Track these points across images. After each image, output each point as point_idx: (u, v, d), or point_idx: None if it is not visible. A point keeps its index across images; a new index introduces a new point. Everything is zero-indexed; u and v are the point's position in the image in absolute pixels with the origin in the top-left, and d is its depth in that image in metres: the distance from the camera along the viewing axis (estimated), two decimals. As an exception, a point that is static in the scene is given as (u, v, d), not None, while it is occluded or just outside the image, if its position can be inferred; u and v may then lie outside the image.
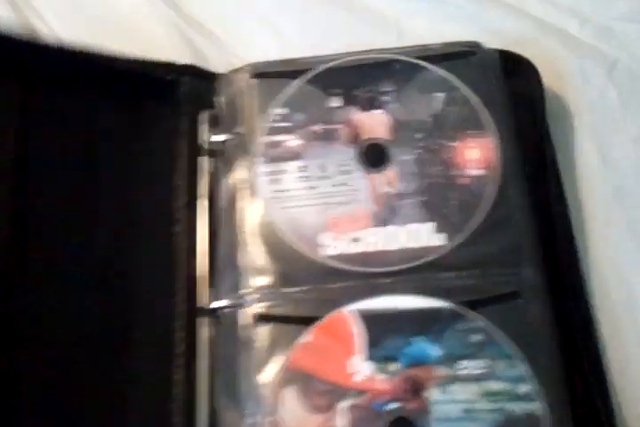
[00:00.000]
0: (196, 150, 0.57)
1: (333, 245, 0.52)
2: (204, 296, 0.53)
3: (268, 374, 0.49)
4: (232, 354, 0.50)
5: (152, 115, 0.59)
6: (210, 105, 0.58)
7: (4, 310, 0.50)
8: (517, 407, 0.47)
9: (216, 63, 0.63)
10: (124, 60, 0.58)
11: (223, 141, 0.57)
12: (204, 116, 0.58)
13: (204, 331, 0.52)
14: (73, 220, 0.55)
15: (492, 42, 0.60)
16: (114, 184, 0.57)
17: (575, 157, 0.60)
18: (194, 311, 0.53)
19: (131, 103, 0.59)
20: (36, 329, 0.51)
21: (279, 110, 0.56)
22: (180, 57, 0.63)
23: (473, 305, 0.50)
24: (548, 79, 0.60)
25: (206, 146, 0.57)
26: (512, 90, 0.57)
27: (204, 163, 0.57)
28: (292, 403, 0.48)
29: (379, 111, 0.56)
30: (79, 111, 0.58)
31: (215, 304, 0.52)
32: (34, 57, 0.56)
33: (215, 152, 0.57)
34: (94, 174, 0.57)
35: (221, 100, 0.58)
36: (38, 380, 0.50)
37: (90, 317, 0.53)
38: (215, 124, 0.58)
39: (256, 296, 0.51)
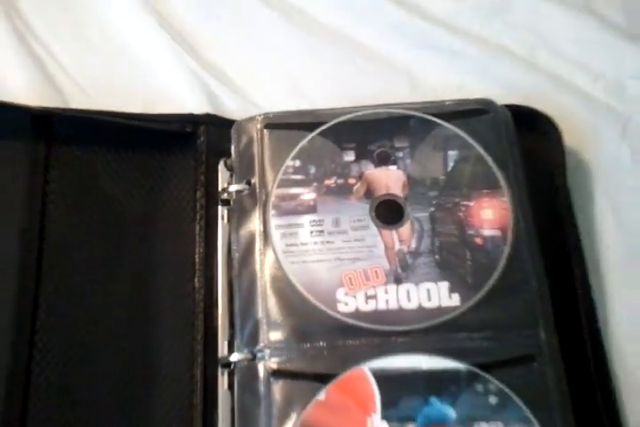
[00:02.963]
0: (214, 199, 0.60)
1: (348, 302, 0.53)
2: (222, 348, 0.55)
3: (285, 428, 0.50)
4: (250, 407, 0.52)
5: (173, 166, 0.62)
6: (228, 152, 0.61)
7: (27, 359, 0.54)
8: (533, 472, 0.49)
9: (232, 108, 0.67)
10: (144, 116, 0.63)
11: (238, 191, 0.58)
12: (221, 166, 0.61)
13: (224, 382, 0.54)
14: (95, 272, 0.58)
15: (504, 96, 0.62)
16: (137, 234, 0.60)
17: (589, 216, 0.63)
18: (213, 361, 0.55)
19: (152, 155, 0.62)
20: (58, 374, 0.54)
21: (292, 162, 0.58)
22: (197, 101, 0.67)
23: (488, 368, 0.51)
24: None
25: (224, 196, 0.59)
26: (529, 146, 0.60)
27: (223, 211, 0.59)
28: (308, 461, 0.49)
29: (393, 167, 0.58)
30: (101, 166, 0.61)
31: (233, 357, 0.54)
32: (60, 121, 0.61)
33: (231, 202, 0.59)
34: (117, 225, 0.60)
35: (235, 149, 0.60)
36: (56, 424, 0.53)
37: (112, 367, 0.55)
38: (232, 170, 0.60)
39: (272, 351, 0.52)
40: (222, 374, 0.54)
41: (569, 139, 0.63)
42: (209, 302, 0.57)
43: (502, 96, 0.62)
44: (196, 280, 0.58)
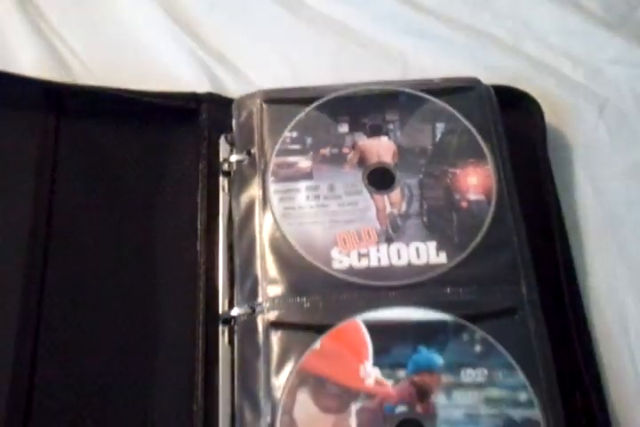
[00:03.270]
0: (215, 171, 0.63)
1: (342, 260, 0.57)
2: (223, 305, 0.58)
3: (283, 376, 0.53)
4: (249, 358, 0.55)
5: (177, 139, 0.66)
6: (229, 128, 0.64)
7: (36, 315, 0.58)
8: (516, 413, 0.52)
9: (232, 90, 0.70)
10: (150, 93, 0.66)
11: (238, 161, 0.62)
12: (222, 140, 0.65)
13: (225, 337, 0.57)
14: (102, 233, 0.62)
15: (491, 79, 0.66)
16: (142, 203, 0.64)
17: (570, 187, 0.67)
18: (214, 319, 0.58)
19: (158, 129, 0.66)
20: (65, 331, 0.58)
21: (289, 133, 0.62)
22: (199, 83, 0.71)
23: (473, 319, 0.55)
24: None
25: (225, 167, 0.63)
26: (513, 124, 0.64)
27: (224, 182, 0.63)
28: (305, 404, 0.52)
29: (384, 138, 0.62)
30: (108, 138, 0.65)
31: (233, 312, 0.57)
32: (69, 95, 0.66)
33: (232, 172, 0.63)
34: (123, 194, 0.63)
35: (236, 122, 0.64)
36: (63, 379, 0.56)
37: (118, 324, 0.59)
38: (233, 145, 0.64)
39: (270, 304, 0.56)
40: (223, 330, 0.57)
41: (551, 118, 0.68)
42: (210, 265, 0.60)
43: (489, 80, 0.66)
44: (198, 244, 0.61)
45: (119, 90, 0.66)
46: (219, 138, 0.65)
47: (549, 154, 0.65)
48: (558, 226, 0.62)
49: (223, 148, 0.64)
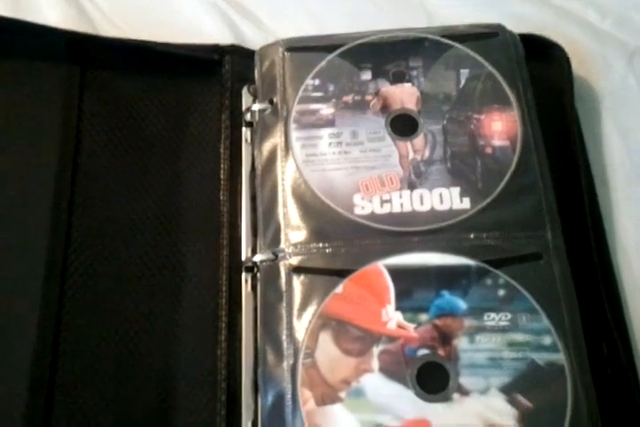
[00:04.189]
0: (237, 122, 0.63)
1: (364, 206, 0.56)
2: (246, 253, 0.58)
3: (305, 320, 0.52)
4: (272, 303, 0.54)
5: (200, 91, 0.65)
6: (251, 80, 0.64)
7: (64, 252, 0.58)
8: (539, 357, 0.51)
9: (254, 42, 0.69)
10: (173, 45, 0.66)
11: (261, 110, 0.61)
12: (244, 91, 0.64)
13: (247, 284, 0.57)
14: (126, 182, 0.61)
15: (517, 28, 0.64)
16: (165, 153, 0.63)
17: (597, 137, 0.65)
18: (237, 267, 0.58)
19: (181, 81, 0.65)
20: (91, 277, 0.58)
21: (312, 81, 0.61)
22: (222, 36, 0.70)
23: (497, 264, 0.54)
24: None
25: (247, 117, 0.62)
26: (540, 71, 0.63)
27: (246, 132, 0.62)
28: (327, 347, 0.52)
29: (407, 84, 0.60)
30: (132, 89, 0.65)
31: (256, 258, 0.57)
32: (94, 46, 0.65)
33: (254, 122, 0.62)
34: (147, 144, 0.63)
35: (258, 71, 0.63)
36: (89, 321, 0.56)
37: (143, 271, 0.59)
38: (255, 97, 0.63)
39: (293, 250, 0.55)
40: (246, 277, 0.57)
41: (578, 68, 0.66)
42: (233, 214, 0.60)
43: (515, 30, 0.64)
44: (221, 193, 0.61)
45: (143, 42, 0.65)
46: (241, 89, 0.64)
47: (577, 104, 0.64)
48: (585, 174, 0.60)
49: (245, 99, 0.64)
